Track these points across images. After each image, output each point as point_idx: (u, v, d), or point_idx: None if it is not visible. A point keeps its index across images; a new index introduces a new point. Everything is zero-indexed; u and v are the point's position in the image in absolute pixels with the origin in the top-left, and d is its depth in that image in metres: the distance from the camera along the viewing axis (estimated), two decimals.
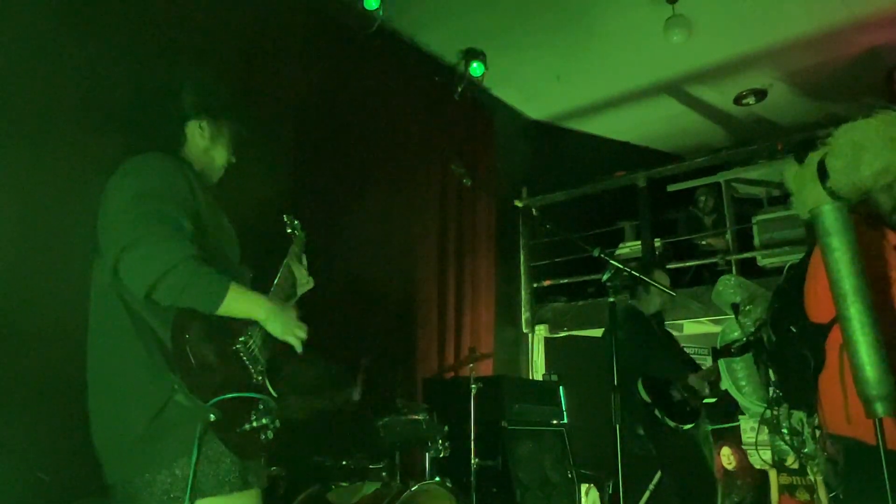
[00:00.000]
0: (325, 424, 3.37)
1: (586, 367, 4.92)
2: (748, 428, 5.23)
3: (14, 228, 2.77)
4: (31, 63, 2.95)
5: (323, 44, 4.57)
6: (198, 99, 2.00)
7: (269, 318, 1.82)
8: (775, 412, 2.40)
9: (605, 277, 2.53)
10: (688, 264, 6.13)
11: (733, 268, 5.73)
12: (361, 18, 4.76)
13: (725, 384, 2.95)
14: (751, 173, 6.36)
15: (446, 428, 3.52)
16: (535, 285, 6.58)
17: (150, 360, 1.69)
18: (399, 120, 5.20)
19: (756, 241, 5.70)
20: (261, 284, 1.97)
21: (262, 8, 4.08)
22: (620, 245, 6.83)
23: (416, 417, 3.48)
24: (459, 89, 5.68)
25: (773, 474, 4.92)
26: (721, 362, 2.92)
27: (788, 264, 2.47)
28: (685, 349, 4.45)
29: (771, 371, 2.45)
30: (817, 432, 2.27)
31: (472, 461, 3.70)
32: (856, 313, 1.91)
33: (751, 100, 6.53)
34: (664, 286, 3.75)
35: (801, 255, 2.34)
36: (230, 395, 1.68)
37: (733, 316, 2.87)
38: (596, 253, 2.52)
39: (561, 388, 4.81)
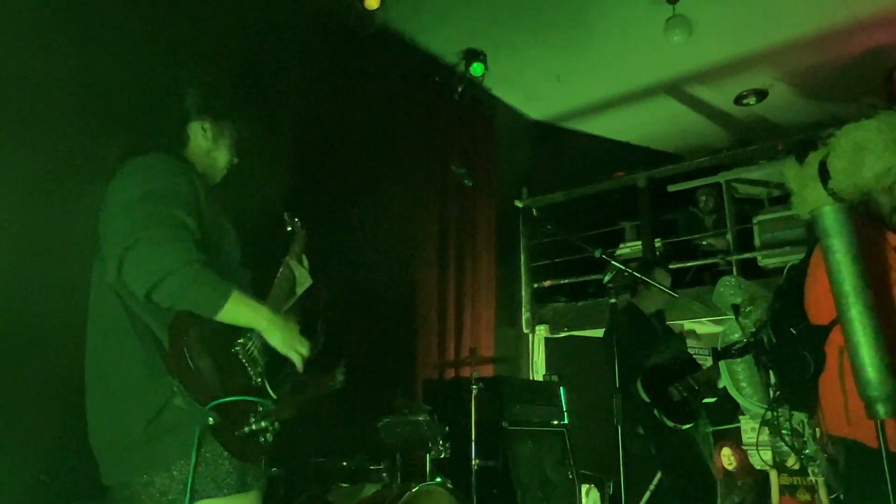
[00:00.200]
0: (325, 424, 3.36)
1: (587, 368, 4.92)
2: (748, 428, 5.22)
3: (15, 228, 2.77)
4: (34, 63, 2.96)
5: (323, 44, 4.56)
6: (201, 100, 1.99)
7: (270, 329, 1.80)
8: (776, 413, 2.39)
9: (606, 279, 2.53)
10: (688, 265, 6.12)
11: (734, 268, 5.72)
12: (362, 18, 4.76)
13: (726, 385, 2.96)
14: (751, 173, 6.35)
15: (447, 428, 3.51)
16: (535, 285, 6.58)
17: (148, 362, 1.69)
18: (399, 120, 5.20)
19: (756, 242, 5.69)
20: (261, 284, 1.97)
21: (263, 8, 4.08)
22: (621, 245, 6.83)
23: (417, 418, 3.48)
24: (460, 89, 5.68)
25: (773, 475, 4.91)
26: (722, 363, 2.92)
27: (788, 265, 2.47)
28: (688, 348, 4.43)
29: (771, 372, 2.45)
30: (818, 433, 2.27)
31: (473, 462, 3.69)
32: (857, 314, 1.90)
33: (751, 100, 6.53)
34: (666, 286, 3.74)
35: (801, 256, 2.34)
36: (229, 399, 1.67)
37: (733, 317, 2.87)
38: (598, 254, 2.52)
39: (561, 388, 4.81)
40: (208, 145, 2.01)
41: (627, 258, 6.48)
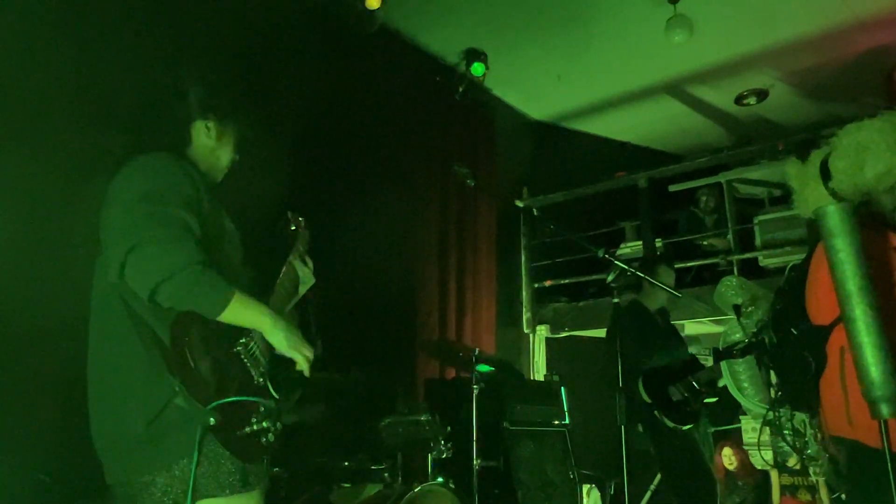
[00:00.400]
0: (327, 425, 3.36)
1: (588, 368, 4.92)
2: (749, 428, 5.22)
3: (16, 228, 2.77)
4: (36, 62, 2.95)
5: (324, 44, 4.56)
6: (205, 99, 1.98)
7: (272, 330, 1.80)
8: (778, 414, 2.39)
9: (610, 278, 2.53)
10: (689, 264, 6.12)
11: (735, 268, 5.72)
12: (362, 18, 4.76)
13: (727, 385, 2.95)
14: (752, 173, 6.35)
15: (448, 429, 3.51)
16: (536, 285, 6.58)
17: (150, 362, 1.68)
18: (400, 120, 5.19)
19: (757, 242, 5.69)
20: (261, 285, 1.96)
21: (264, 8, 4.08)
22: (622, 245, 6.82)
23: (418, 418, 3.48)
24: (460, 89, 5.67)
25: (774, 475, 4.90)
26: (723, 364, 2.92)
27: (790, 265, 2.46)
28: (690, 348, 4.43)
29: (772, 372, 2.45)
30: (819, 433, 2.26)
31: (474, 462, 3.69)
32: (861, 314, 1.90)
33: (752, 100, 6.52)
34: (669, 284, 3.73)
35: (802, 256, 2.33)
36: (230, 399, 1.66)
37: (735, 317, 2.86)
38: (601, 254, 2.52)
39: (562, 388, 4.80)
40: (212, 144, 2.00)
41: (628, 258, 6.48)
